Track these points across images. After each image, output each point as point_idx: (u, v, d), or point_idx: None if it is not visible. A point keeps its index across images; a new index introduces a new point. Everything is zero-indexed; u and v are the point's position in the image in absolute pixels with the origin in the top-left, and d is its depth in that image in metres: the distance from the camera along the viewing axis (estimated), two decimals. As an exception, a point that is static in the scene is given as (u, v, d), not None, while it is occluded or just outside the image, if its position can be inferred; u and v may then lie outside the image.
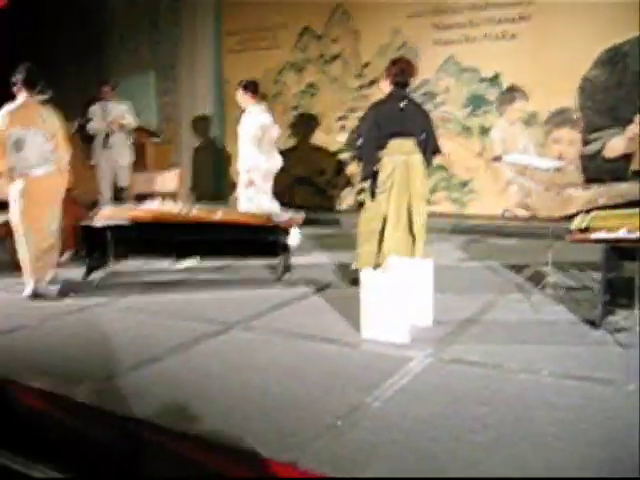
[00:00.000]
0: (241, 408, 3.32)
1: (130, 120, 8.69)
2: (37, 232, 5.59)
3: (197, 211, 6.04)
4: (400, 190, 5.32)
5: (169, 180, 7.47)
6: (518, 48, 7.88)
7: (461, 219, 8.19)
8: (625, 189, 7.28)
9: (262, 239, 5.80)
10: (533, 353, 3.92)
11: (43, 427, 3.56)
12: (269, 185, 6.94)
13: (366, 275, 4.26)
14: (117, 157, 8.67)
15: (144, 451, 3.14)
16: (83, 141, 8.66)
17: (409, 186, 5.33)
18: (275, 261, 5.87)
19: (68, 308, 5.30)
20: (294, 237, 6.01)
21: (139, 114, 9.43)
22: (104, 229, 5.90)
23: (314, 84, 9.53)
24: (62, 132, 5.76)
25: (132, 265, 6.37)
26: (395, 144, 5.31)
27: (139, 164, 9.09)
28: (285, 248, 5.85)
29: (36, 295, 5.59)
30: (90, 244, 6.17)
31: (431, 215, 8.16)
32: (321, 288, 5.57)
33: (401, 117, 5.32)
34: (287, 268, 5.88)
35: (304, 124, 9.67)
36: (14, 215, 5.60)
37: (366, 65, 8.96)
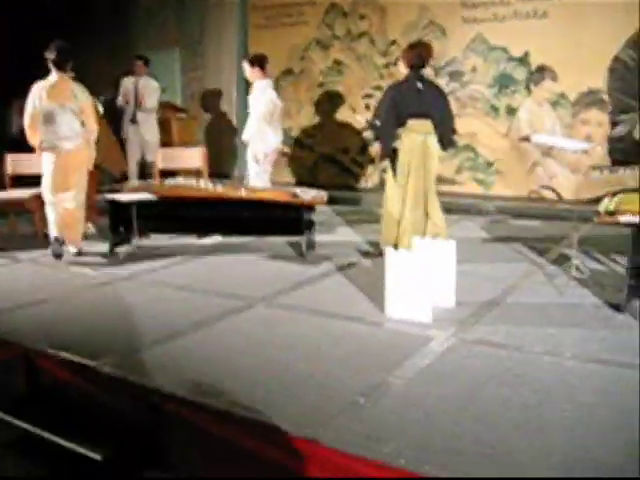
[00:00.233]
0: (264, 383, 3.35)
1: (150, 103, 8.81)
2: (65, 201, 5.95)
3: (221, 188, 6.05)
4: (418, 169, 5.50)
5: (194, 157, 7.48)
6: (548, 27, 7.75)
7: (486, 200, 8.14)
8: (654, 172, 7.19)
9: (286, 216, 5.82)
10: (556, 336, 3.90)
11: (68, 398, 3.62)
12: (270, 160, 6.89)
13: (390, 254, 4.27)
14: (144, 133, 8.84)
15: (167, 423, 3.19)
16: (111, 115, 8.73)
17: (425, 165, 5.51)
18: (299, 238, 5.88)
19: (94, 281, 5.36)
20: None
21: (164, 90, 9.49)
22: (129, 204, 5.94)
23: (340, 61, 9.47)
24: (91, 107, 6.06)
25: (156, 240, 6.43)
26: (413, 124, 5.47)
27: (164, 140, 9.16)
28: (309, 225, 5.87)
29: (79, 253, 6.08)
30: (115, 219, 6.23)
31: (456, 195, 8.26)
32: (345, 266, 5.58)
33: (418, 98, 5.47)
34: (311, 245, 5.90)
35: (329, 102, 9.63)
36: (44, 184, 5.97)
37: (393, 43, 8.87)
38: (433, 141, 5.51)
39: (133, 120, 8.88)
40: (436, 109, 5.52)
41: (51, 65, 5.86)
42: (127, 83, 9.01)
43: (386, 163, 5.82)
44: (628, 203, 4.24)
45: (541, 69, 7.90)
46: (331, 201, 6.25)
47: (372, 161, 9.22)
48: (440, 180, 8.22)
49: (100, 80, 8.84)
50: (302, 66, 9.83)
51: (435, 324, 4.12)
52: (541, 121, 7.98)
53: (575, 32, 7.57)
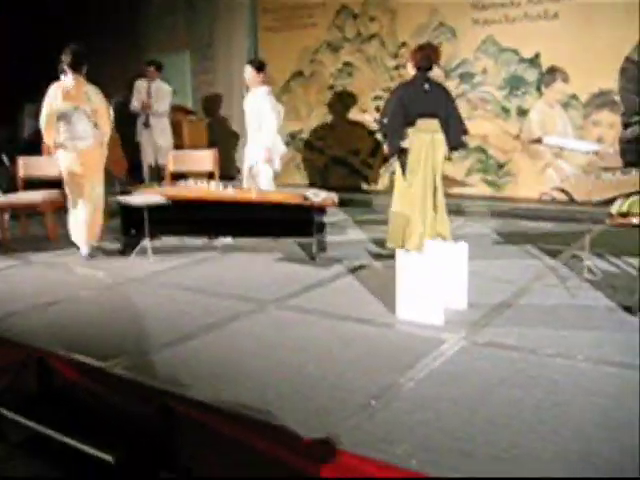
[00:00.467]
0: (275, 386, 3.35)
1: (162, 107, 8.89)
2: (82, 198, 6.19)
3: (233, 190, 6.06)
4: (426, 169, 5.62)
5: (206, 159, 7.49)
6: (559, 28, 7.73)
7: (497, 201, 8.11)
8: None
9: (297, 218, 5.82)
10: (569, 338, 3.88)
11: (79, 399, 3.63)
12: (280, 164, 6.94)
13: (401, 256, 4.26)
14: (157, 137, 8.94)
15: (178, 425, 3.19)
16: (123, 118, 8.79)
17: (433, 164, 5.63)
18: (310, 240, 5.88)
19: (105, 283, 5.38)
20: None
21: (175, 93, 9.53)
22: (141, 207, 5.96)
23: (350, 63, 9.46)
24: (104, 109, 6.25)
25: (167, 242, 6.44)
26: (421, 124, 5.60)
27: (176, 142, 9.22)
28: (320, 227, 5.87)
29: (90, 255, 6.21)
30: (127, 221, 6.26)
31: (467, 197, 8.23)
32: (356, 268, 5.57)
33: (425, 98, 5.63)
34: (322, 247, 5.90)
35: (339, 104, 9.63)
36: (65, 182, 6.26)
37: (403, 45, 8.86)
38: (440, 140, 5.63)
39: (146, 124, 8.97)
40: (442, 109, 5.65)
41: (66, 67, 6.05)
42: (140, 87, 9.09)
43: (395, 164, 5.88)
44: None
45: (552, 70, 7.87)
46: (342, 203, 6.26)
47: (384, 161, 9.18)
48: (451, 182, 8.25)
49: (112, 83, 8.90)
50: (312, 68, 9.83)
51: (446, 326, 4.11)
52: (552, 123, 7.95)
53: (586, 33, 7.54)
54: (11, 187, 7.38)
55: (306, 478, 2.75)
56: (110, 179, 7.54)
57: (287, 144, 7.37)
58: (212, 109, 10.84)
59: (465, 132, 5.82)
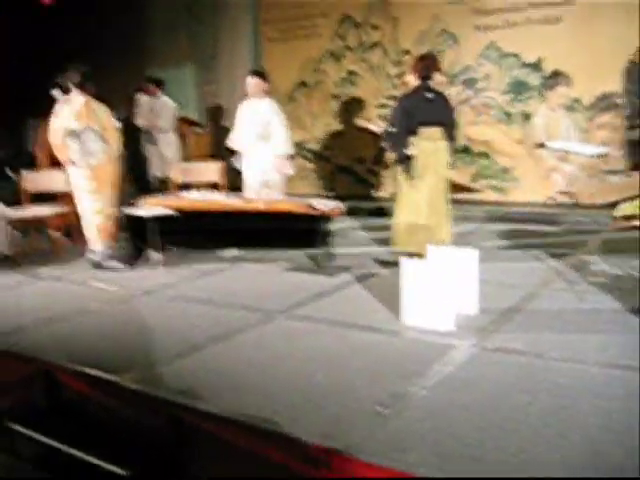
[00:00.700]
0: (285, 395, 3.36)
1: (166, 123, 8.95)
2: (95, 213, 6.35)
3: (239, 200, 6.09)
4: (431, 175, 5.82)
5: (212, 171, 7.53)
6: (561, 32, 7.75)
7: (503, 206, 8.12)
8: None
9: (304, 228, 5.83)
10: (577, 342, 3.88)
11: (89, 412, 3.64)
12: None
13: (407, 263, 4.26)
14: (164, 150, 9.00)
15: (189, 436, 3.20)
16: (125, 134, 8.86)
17: (437, 171, 5.85)
18: (317, 249, 5.89)
19: (114, 296, 5.40)
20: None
21: (179, 105, 9.58)
22: (147, 219, 5.99)
23: (353, 72, 9.50)
24: (112, 125, 6.43)
25: (175, 254, 6.46)
26: (425, 132, 5.80)
27: (181, 154, 9.27)
28: (326, 236, 5.88)
29: (99, 265, 6.36)
30: (134, 233, 6.29)
31: (472, 203, 8.24)
32: (363, 276, 5.58)
33: (428, 107, 5.85)
34: (329, 256, 5.91)
35: (343, 112, 9.66)
36: (76, 198, 6.44)
37: (406, 52, 8.89)
38: (443, 147, 5.87)
39: (151, 139, 9.03)
40: (444, 117, 5.91)
41: (74, 87, 6.26)
42: (143, 104, 9.12)
43: (400, 171, 5.97)
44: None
45: (555, 74, 7.89)
46: (348, 211, 6.26)
47: (387, 167, 9.20)
48: (456, 188, 8.25)
49: (113, 97, 8.93)
50: (316, 78, 9.87)
51: (455, 332, 4.11)
52: (556, 127, 7.96)
53: (588, 36, 7.56)
54: (16, 201, 7.43)
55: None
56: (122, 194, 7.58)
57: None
58: (216, 120, 10.89)
59: (455, 139, 6.10)
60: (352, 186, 9.61)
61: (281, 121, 6.78)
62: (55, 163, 7.35)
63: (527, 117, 8.13)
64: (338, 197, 6.55)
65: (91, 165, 6.27)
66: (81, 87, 6.27)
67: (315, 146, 9.96)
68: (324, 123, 9.85)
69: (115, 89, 10.03)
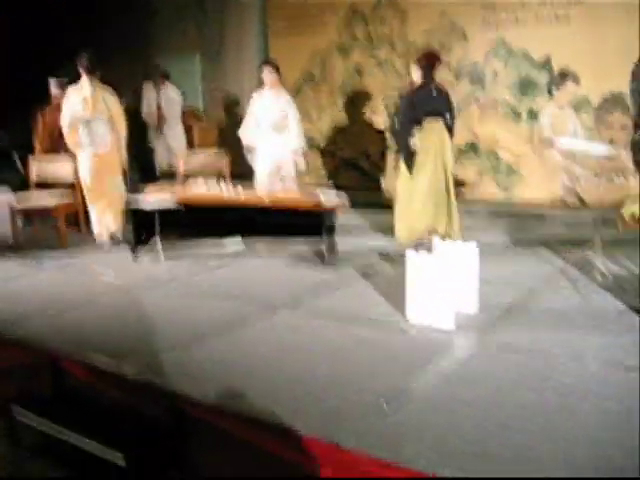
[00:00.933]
0: (287, 388, 3.36)
1: (173, 114, 8.97)
2: (101, 199, 6.73)
3: (244, 192, 6.08)
4: (437, 165, 6.11)
5: (217, 161, 7.53)
6: (570, 30, 7.70)
7: (508, 204, 8.10)
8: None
9: (308, 221, 5.82)
10: (580, 341, 3.87)
11: (91, 401, 3.65)
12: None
13: (412, 258, 4.26)
14: (170, 141, 8.99)
15: (190, 427, 3.21)
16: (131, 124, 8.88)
17: (444, 160, 6.14)
18: (321, 243, 5.88)
19: (118, 286, 5.41)
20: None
21: (185, 97, 9.58)
22: (151, 210, 5.98)
23: (361, 66, 9.48)
24: (120, 113, 6.76)
25: (178, 245, 6.46)
26: (429, 124, 6.09)
27: (187, 145, 9.27)
28: (331, 230, 5.87)
29: (108, 247, 6.75)
30: (137, 224, 6.28)
31: (478, 200, 8.22)
32: (366, 270, 5.58)
33: (432, 100, 6.15)
34: (333, 250, 5.91)
35: (350, 106, 9.63)
36: (83, 182, 6.76)
37: (414, 47, 8.85)
38: (447, 137, 6.19)
39: (158, 130, 9.03)
40: (446, 112, 6.21)
41: (82, 71, 6.52)
42: (150, 96, 9.11)
43: (401, 162, 6.25)
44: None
45: (563, 73, 7.83)
46: (352, 205, 6.25)
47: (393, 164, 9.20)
48: (462, 185, 8.24)
49: (120, 86, 8.93)
50: (323, 72, 9.85)
51: (458, 329, 4.11)
52: (563, 125, 7.91)
53: (597, 35, 7.52)
54: (23, 188, 7.45)
55: (316, 478, 2.76)
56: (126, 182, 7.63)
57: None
58: (226, 111, 10.87)
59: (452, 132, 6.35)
60: (357, 180, 9.59)
61: (296, 115, 6.90)
62: (52, 152, 7.47)
63: (534, 115, 8.09)
64: (343, 190, 6.52)
65: (99, 152, 6.54)
66: (88, 70, 6.51)
67: (321, 139, 9.94)
68: (331, 116, 9.83)
69: (122, 80, 10.03)
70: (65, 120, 6.58)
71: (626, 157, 7.47)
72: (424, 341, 3.96)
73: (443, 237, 5.48)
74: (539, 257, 5.91)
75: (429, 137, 6.08)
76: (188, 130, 9.53)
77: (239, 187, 6.22)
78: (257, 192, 6.31)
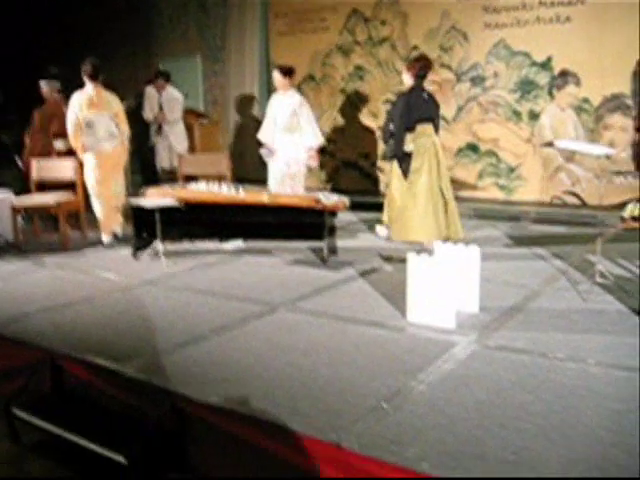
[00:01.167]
0: (286, 388, 3.36)
1: (174, 115, 9.01)
2: (107, 194, 6.95)
3: (244, 193, 6.08)
4: (431, 169, 6.23)
5: (217, 163, 7.54)
6: (571, 32, 7.71)
7: (508, 205, 8.10)
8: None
9: (308, 221, 5.82)
10: (580, 342, 3.87)
11: (91, 400, 3.66)
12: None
13: (412, 259, 4.26)
14: (172, 141, 9.02)
15: (190, 426, 3.21)
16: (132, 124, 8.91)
17: (438, 164, 6.27)
18: (321, 243, 5.88)
19: (117, 286, 5.41)
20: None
21: (186, 96, 9.58)
22: (152, 209, 5.99)
23: (361, 67, 9.48)
24: (122, 112, 7.06)
25: (179, 245, 6.47)
26: (421, 128, 6.26)
27: (189, 146, 9.28)
28: (331, 231, 5.87)
29: (110, 244, 6.96)
30: (139, 224, 6.29)
31: (478, 201, 8.23)
32: (366, 271, 5.58)
33: (424, 105, 6.32)
34: (333, 250, 5.91)
35: (350, 107, 9.64)
36: (89, 181, 6.96)
37: (414, 48, 8.85)
38: (438, 141, 6.37)
39: (160, 132, 9.05)
40: (435, 115, 6.42)
41: (86, 77, 6.81)
42: (152, 97, 9.13)
43: (395, 166, 6.38)
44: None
45: (564, 74, 7.86)
46: (352, 206, 6.26)
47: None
48: (462, 185, 8.25)
49: (122, 87, 8.94)
50: (323, 72, 9.86)
51: (458, 329, 4.11)
52: (564, 126, 7.94)
53: (598, 36, 7.52)
54: (24, 189, 7.47)
55: (315, 478, 2.76)
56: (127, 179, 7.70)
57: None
58: (227, 112, 10.88)
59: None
60: (357, 181, 9.60)
61: (309, 113, 7.04)
62: (45, 153, 7.56)
63: (535, 116, 8.10)
64: (343, 192, 6.54)
65: (105, 151, 6.83)
66: (92, 77, 6.79)
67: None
68: (331, 117, 9.83)
69: (123, 80, 10.07)
70: (71, 123, 6.81)
71: (627, 159, 7.48)
72: (424, 341, 3.96)
73: (446, 239, 5.54)
74: (539, 257, 5.91)
75: (423, 141, 6.23)
76: (189, 130, 9.54)
77: (240, 188, 6.23)
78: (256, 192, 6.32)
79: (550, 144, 7.81)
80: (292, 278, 5.50)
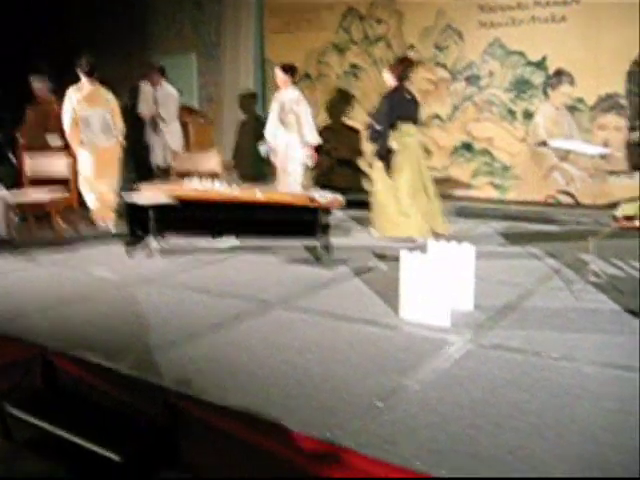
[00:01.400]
0: (281, 386, 3.36)
1: (170, 112, 9.01)
2: (101, 189, 7.18)
3: (238, 190, 6.07)
4: (412, 165, 6.55)
5: (211, 160, 7.53)
6: (566, 31, 7.72)
7: (503, 204, 8.11)
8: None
9: (303, 219, 5.82)
10: (574, 341, 3.88)
11: (85, 398, 3.64)
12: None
13: (405, 256, 4.26)
14: (167, 139, 9.01)
15: (184, 424, 3.20)
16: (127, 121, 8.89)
17: (419, 160, 6.64)
18: (315, 241, 5.88)
19: (112, 283, 5.40)
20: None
21: (181, 93, 9.56)
22: (146, 206, 5.97)
23: (357, 65, 9.48)
24: (117, 108, 7.26)
25: (173, 242, 6.46)
26: (404, 127, 6.56)
27: (183, 142, 9.27)
28: (325, 228, 5.87)
29: (106, 228, 7.26)
30: (132, 221, 6.27)
31: (472, 200, 8.23)
32: (361, 269, 5.58)
33: (407, 104, 6.63)
34: (327, 248, 5.91)
35: (345, 105, 9.64)
36: (83, 175, 7.17)
37: (410, 47, 8.87)
38: (419, 138, 6.80)
39: (155, 129, 9.02)
40: (416, 114, 6.76)
41: (82, 74, 7.00)
42: (147, 93, 9.11)
43: (377, 163, 6.69)
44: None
45: (559, 73, 7.87)
46: (347, 204, 6.26)
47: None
48: (457, 184, 8.26)
49: (116, 84, 8.91)
50: (319, 70, 9.85)
51: (452, 328, 4.11)
52: (558, 126, 7.95)
53: (593, 36, 7.54)
54: (17, 184, 7.44)
55: (309, 477, 2.76)
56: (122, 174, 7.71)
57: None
58: (222, 109, 10.86)
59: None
60: (352, 179, 9.59)
61: (307, 111, 7.26)
62: (35, 148, 7.58)
63: (530, 115, 8.11)
64: (337, 190, 6.52)
65: (101, 146, 6.98)
66: (87, 74, 6.93)
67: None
68: (326, 116, 9.82)
69: (118, 77, 10.03)
70: (67, 119, 6.96)
71: (620, 158, 7.50)
72: (418, 340, 3.96)
73: (431, 234, 5.72)
74: (533, 256, 5.91)
75: (407, 141, 6.54)
76: (184, 127, 9.52)
77: (234, 186, 6.23)
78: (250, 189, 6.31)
79: (544, 143, 7.82)
80: (286, 276, 5.49)
